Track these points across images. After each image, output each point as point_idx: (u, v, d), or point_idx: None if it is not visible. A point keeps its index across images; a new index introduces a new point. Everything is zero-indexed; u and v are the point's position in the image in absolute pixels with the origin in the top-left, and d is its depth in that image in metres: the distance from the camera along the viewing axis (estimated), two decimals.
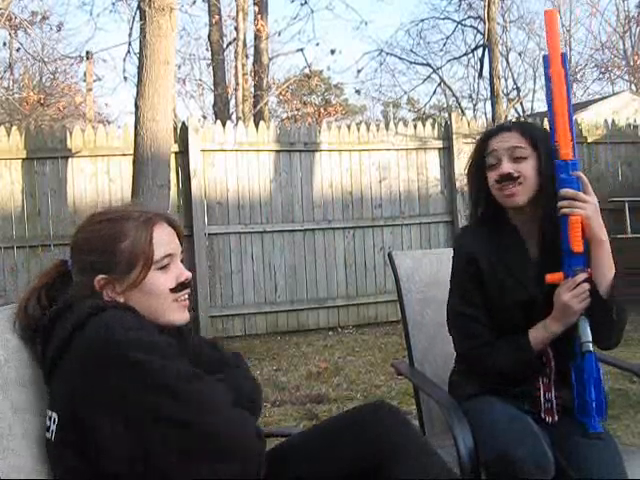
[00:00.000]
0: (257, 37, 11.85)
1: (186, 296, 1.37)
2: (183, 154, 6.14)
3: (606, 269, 1.60)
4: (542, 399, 1.70)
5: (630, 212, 7.18)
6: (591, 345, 1.60)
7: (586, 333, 1.60)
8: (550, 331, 1.65)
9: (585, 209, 1.57)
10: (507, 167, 1.66)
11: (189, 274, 1.37)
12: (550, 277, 1.64)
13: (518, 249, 1.74)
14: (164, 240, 1.34)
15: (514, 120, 1.86)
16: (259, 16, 11.26)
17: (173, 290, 1.33)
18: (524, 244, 1.74)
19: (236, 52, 11.26)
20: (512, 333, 1.71)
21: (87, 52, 10.07)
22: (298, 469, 1.37)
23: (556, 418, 1.69)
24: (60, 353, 1.23)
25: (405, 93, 18.20)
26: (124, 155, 5.91)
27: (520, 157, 1.67)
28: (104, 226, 1.33)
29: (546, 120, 7.02)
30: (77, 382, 1.19)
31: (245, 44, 11.83)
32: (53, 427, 1.22)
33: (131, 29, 6.21)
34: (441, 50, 15.73)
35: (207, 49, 12.79)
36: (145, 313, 1.30)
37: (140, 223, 1.32)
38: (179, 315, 1.35)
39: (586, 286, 1.60)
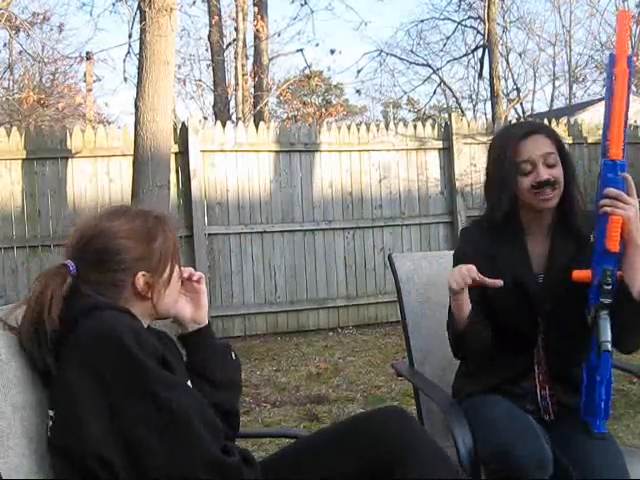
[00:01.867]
0: (257, 37, 11.84)
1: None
2: (183, 154, 6.13)
3: (639, 273, 1.58)
4: (539, 397, 1.72)
5: None
6: (609, 345, 1.55)
7: (606, 333, 1.56)
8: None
9: (627, 210, 1.55)
10: (545, 173, 1.69)
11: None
12: (576, 274, 1.62)
13: (517, 244, 1.76)
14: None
15: (542, 123, 1.89)
16: (259, 16, 11.25)
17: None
18: (524, 239, 1.76)
19: (236, 52, 11.25)
20: (509, 328, 1.72)
21: (87, 52, 10.03)
22: (307, 472, 1.37)
23: (552, 416, 1.71)
24: (58, 349, 1.24)
25: (405, 93, 18.26)
26: (124, 155, 5.91)
27: (552, 164, 1.70)
28: (135, 224, 1.35)
29: (546, 120, 7.03)
30: (74, 375, 1.20)
31: (245, 44, 11.82)
32: (52, 425, 1.23)
33: (131, 30, 6.20)
34: (441, 51, 15.81)
35: (207, 49, 12.79)
36: (163, 307, 1.37)
37: (159, 220, 1.39)
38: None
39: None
